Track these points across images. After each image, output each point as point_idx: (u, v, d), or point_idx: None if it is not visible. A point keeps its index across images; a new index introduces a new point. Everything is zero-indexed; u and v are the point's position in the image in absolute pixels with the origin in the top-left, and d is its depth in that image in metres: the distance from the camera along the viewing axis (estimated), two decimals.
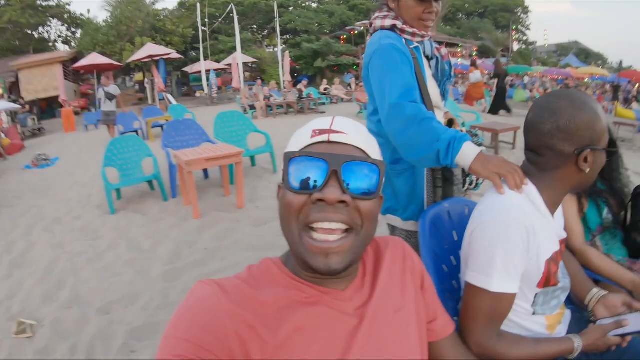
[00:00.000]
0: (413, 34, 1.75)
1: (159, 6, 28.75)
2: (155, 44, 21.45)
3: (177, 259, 3.68)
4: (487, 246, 1.16)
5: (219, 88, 22.15)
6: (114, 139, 5.70)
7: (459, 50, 37.28)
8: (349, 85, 21.94)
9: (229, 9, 23.36)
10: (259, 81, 20.06)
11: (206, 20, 23.85)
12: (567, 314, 1.45)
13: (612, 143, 1.29)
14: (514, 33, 48.30)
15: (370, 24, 1.85)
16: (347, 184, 0.80)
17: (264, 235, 4.11)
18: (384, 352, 0.85)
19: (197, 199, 4.69)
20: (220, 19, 27.77)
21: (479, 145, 1.77)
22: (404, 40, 1.74)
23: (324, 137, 0.84)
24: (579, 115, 1.16)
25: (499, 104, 13.39)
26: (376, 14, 1.83)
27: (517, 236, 1.14)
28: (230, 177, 5.55)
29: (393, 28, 1.75)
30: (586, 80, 31.74)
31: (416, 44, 1.77)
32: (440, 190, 1.82)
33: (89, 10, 27.26)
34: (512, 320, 1.27)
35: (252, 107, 14.81)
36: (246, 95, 15.74)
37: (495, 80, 14.06)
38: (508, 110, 13.34)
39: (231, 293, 0.79)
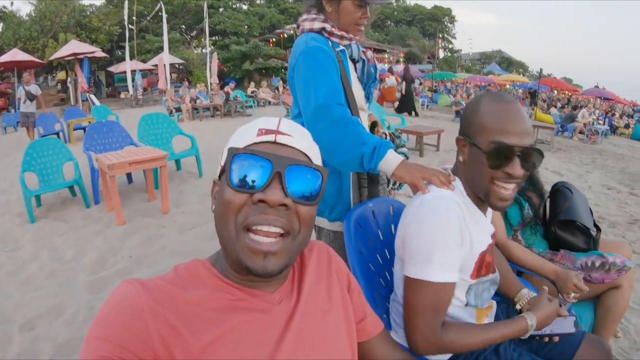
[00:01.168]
0: (341, 37, 1.80)
1: (85, 1, 27.32)
2: (80, 41, 20.51)
3: (102, 268, 3.61)
4: (424, 240, 1.22)
5: (145, 89, 21.52)
6: (33, 142, 5.47)
7: (387, 56, 38.24)
8: (277, 88, 21.99)
9: (157, 7, 22.70)
10: (186, 83, 19.73)
11: (134, 18, 22.96)
12: (494, 307, 1.54)
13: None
14: (440, 41, 50.02)
15: (298, 26, 1.88)
16: (289, 187, 0.79)
17: (191, 241, 4.10)
18: (313, 353, 0.86)
19: (120, 205, 4.60)
20: (148, 17, 27.00)
21: (402, 146, 1.93)
22: (330, 43, 1.78)
23: (270, 137, 0.83)
24: (469, 104, 1.32)
25: (404, 106, 14.55)
26: (304, 16, 1.86)
27: (452, 227, 1.22)
28: (154, 181, 5.46)
29: (321, 31, 1.79)
30: (507, 86, 33.73)
31: (342, 47, 1.82)
32: (365, 190, 1.86)
33: (12, 3, 25.48)
34: (448, 312, 1.33)
35: (178, 110, 14.61)
36: (172, 97, 15.49)
37: (403, 84, 15.00)
38: (415, 113, 14.61)
39: (154, 292, 0.78)
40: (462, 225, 1.24)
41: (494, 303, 1.55)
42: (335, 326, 0.94)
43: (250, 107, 17.62)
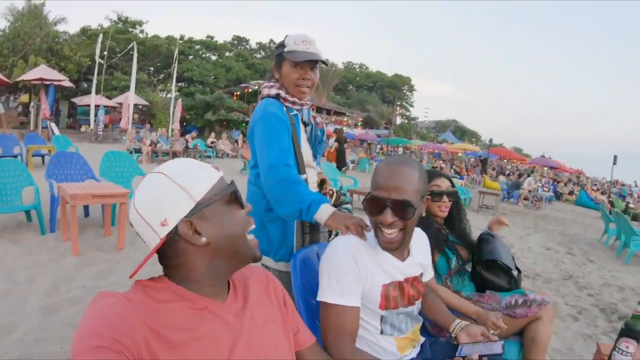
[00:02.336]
0: (293, 103, 2.13)
1: (60, 27, 27.37)
2: (49, 66, 20.27)
3: (55, 293, 3.61)
4: (325, 269, 1.53)
5: (106, 126, 21.30)
6: None
7: (345, 119, 39.26)
8: (236, 141, 22.31)
9: (130, 45, 22.83)
10: (148, 125, 19.69)
11: (105, 52, 23.03)
12: (421, 339, 1.77)
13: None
14: (398, 108, 51.45)
15: (259, 92, 2.20)
16: None
17: (144, 277, 4.12)
18: (263, 354, 1.03)
19: (77, 235, 4.61)
20: (119, 55, 26.99)
21: (346, 203, 2.21)
22: (284, 107, 2.10)
23: (222, 174, 1.10)
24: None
25: (338, 162, 15.96)
26: (265, 84, 2.19)
27: (344, 263, 1.50)
28: (112, 217, 5.51)
29: (277, 96, 2.11)
30: (459, 154, 35.00)
31: (295, 112, 2.14)
32: (308, 236, 2.13)
33: None
34: (364, 337, 1.58)
35: (138, 151, 14.63)
36: (131, 138, 15.50)
37: (335, 145, 16.75)
38: (345, 169, 16.30)
39: (132, 301, 0.90)
40: (359, 262, 1.51)
41: (421, 337, 1.78)
42: (275, 332, 1.13)
43: (209, 157, 17.84)
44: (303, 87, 2.12)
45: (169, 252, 1.00)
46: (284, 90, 2.13)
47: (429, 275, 1.92)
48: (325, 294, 1.49)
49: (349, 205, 2.23)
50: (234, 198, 1.06)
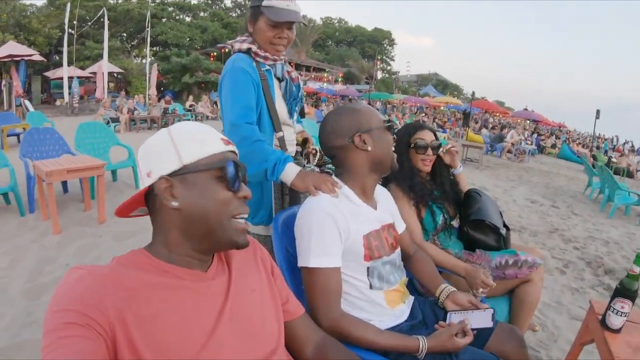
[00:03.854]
0: (265, 58, 2.02)
1: (26, 1, 26.22)
2: (18, 42, 19.59)
3: (38, 275, 3.56)
4: (303, 234, 1.48)
5: (81, 97, 20.83)
6: None
7: (326, 74, 38.88)
8: (215, 102, 21.91)
9: (100, 12, 22.10)
10: (123, 92, 19.27)
11: (75, 22, 22.20)
12: (411, 298, 1.75)
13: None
14: (378, 62, 51.08)
15: (232, 46, 2.07)
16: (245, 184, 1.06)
17: (127, 250, 4.05)
18: (248, 324, 1.03)
19: (57, 213, 4.54)
20: (90, 23, 26.15)
21: (329, 163, 2.13)
22: (255, 62, 1.99)
23: (232, 148, 1.07)
24: (338, 118, 1.63)
25: None
26: (237, 38, 2.07)
27: (324, 223, 1.46)
28: (91, 191, 5.43)
29: (248, 51, 2.00)
30: (442, 108, 35.00)
31: (268, 67, 2.03)
32: (287, 197, 2.07)
33: None
34: (353, 294, 1.56)
35: (115, 120, 14.29)
36: (106, 106, 15.14)
37: None
38: None
39: (103, 273, 0.89)
40: (337, 218, 1.47)
41: (410, 296, 1.76)
42: (262, 303, 1.11)
43: (188, 120, 17.54)
44: (279, 45, 2.02)
45: (149, 205, 1.03)
46: (257, 45, 2.02)
47: (401, 225, 1.88)
48: (309, 259, 1.45)
49: (331, 166, 2.13)
50: (222, 176, 0.99)
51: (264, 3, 1.93)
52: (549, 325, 3.17)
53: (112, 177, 6.73)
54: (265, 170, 1.76)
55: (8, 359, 2.49)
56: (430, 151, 2.38)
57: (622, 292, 1.69)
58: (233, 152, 1.07)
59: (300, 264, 1.48)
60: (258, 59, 2.02)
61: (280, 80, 2.11)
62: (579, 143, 26.07)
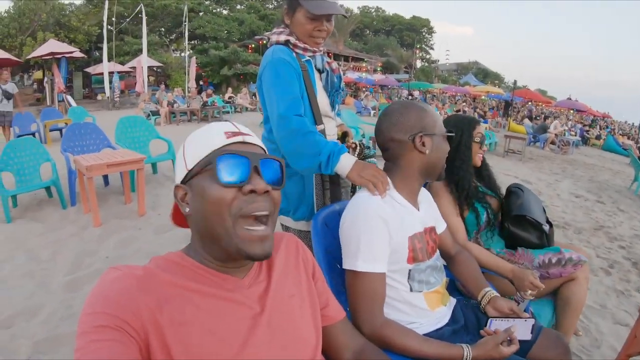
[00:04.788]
0: (304, 49, 1.94)
1: (65, 0, 26.86)
2: (59, 40, 20.10)
3: (78, 268, 3.61)
4: (352, 236, 1.43)
5: (122, 92, 21.32)
6: (10, 142, 5.41)
7: (364, 64, 38.59)
8: (254, 94, 21.96)
9: (138, 8, 22.46)
10: (163, 86, 19.61)
11: (113, 19, 22.71)
12: (452, 300, 1.68)
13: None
14: (417, 51, 50.45)
15: (268, 39, 2.01)
16: (265, 177, 0.94)
17: (166, 243, 4.13)
18: (285, 331, 0.98)
19: (97, 207, 4.61)
20: (128, 19, 26.68)
21: (371, 156, 2.03)
22: (294, 54, 1.92)
23: (239, 138, 0.96)
24: (405, 112, 1.55)
25: None
26: (274, 30, 2.00)
27: (374, 225, 1.41)
28: (131, 184, 5.50)
29: (286, 43, 1.93)
30: (483, 97, 34.21)
31: (308, 58, 1.96)
32: (328, 192, 1.99)
33: None
34: (392, 297, 1.49)
35: (155, 113, 14.50)
36: (146, 99, 15.39)
37: None
38: None
39: (139, 274, 0.87)
40: (387, 223, 1.43)
41: (451, 298, 1.69)
42: (300, 309, 1.05)
43: (228, 112, 17.66)
44: (318, 38, 1.94)
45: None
46: (294, 36, 1.95)
47: (441, 225, 1.80)
48: (356, 262, 1.40)
49: (373, 159, 2.05)
50: (214, 172, 0.90)
51: None
52: (592, 329, 3.00)
53: (152, 170, 6.81)
54: (320, 163, 1.69)
55: (46, 355, 2.53)
56: (485, 146, 2.30)
57: None
58: (242, 142, 0.97)
59: (347, 266, 1.44)
60: (297, 50, 1.95)
61: (320, 71, 2.04)
62: (624, 134, 25.03)
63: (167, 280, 0.89)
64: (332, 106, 2.11)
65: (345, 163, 1.66)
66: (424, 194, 1.74)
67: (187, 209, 0.96)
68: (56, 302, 3.08)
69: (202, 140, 0.97)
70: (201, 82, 26.95)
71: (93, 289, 0.85)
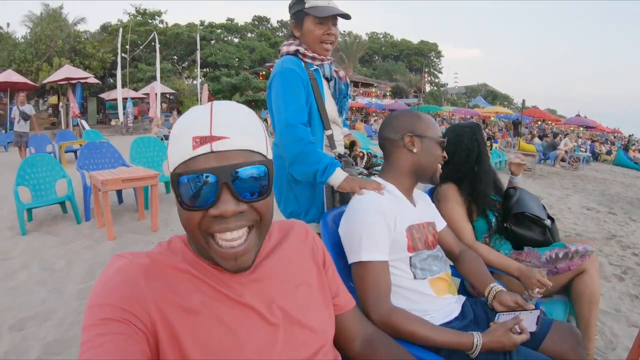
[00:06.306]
0: (313, 58, 2.08)
1: (80, 27, 27.67)
2: (74, 66, 20.51)
3: (91, 278, 3.64)
4: (354, 231, 1.52)
5: (135, 117, 21.70)
6: (28, 157, 5.53)
7: (374, 89, 38.92)
8: (265, 120, 22.39)
9: (151, 37, 23.08)
10: (175, 112, 19.90)
11: (127, 46, 23.26)
12: (461, 297, 1.71)
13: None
14: (426, 75, 50.64)
15: (279, 51, 2.17)
16: (239, 193, 0.82)
17: None
18: (293, 321, 0.95)
19: (111, 220, 4.67)
20: (141, 47, 27.31)
21: (378, 164, 2.18)
22: (303, 63, 2.06)
23: (207, 148, 0.81)
24: (400, 115, 1.75)
25: None
26: (284, 43, 2.15)
27: (373, 218, 1.51)
28: (145, 201, 5.56)
29: (296, 53, 2.08)
30: (492, 118, 34.26)
31: (316, 67, 2.10)
32: (337, 195, 2.08)
33: (8, 24, 25.79)
34: (400, 285, 1.54)
35: (168, 137, 14.65)
36: (159, 124, 15.62)
37: None
38: None
39: (144, 261, 0.85)
40: (386, 213, 1.53)
41: (453, 283, 1.73)
42: (308, 298, 1.02)
43: None
44: (327, 42, 2.08)
45: None
46: (304, 46, 2.09)
47: (441, 223, 1.89)
48: (360, 253, 1.48)
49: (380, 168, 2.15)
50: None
51: (307, 5, 2.02)
52: (606, 332, 3.00)
53: (166, 189, 6.91)
54: (316, 171, 1.82)
55: (57, 355, 2.56)
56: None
57: None
58: (211, 152, 0.82)
59: (352, 260, 1.51)
60: (306, 59, 2.09)
61: (328, 79, 2.18)
62: (636, 149, 24.87)
63: (173, 266, 0.87)
64: (340, 112, 2.24)
65: (338, 175, 1.81)
66: (420, 195, 1.86)
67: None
68: (69, 308, 3.12)
69: (174, 144, 0.86)
70: None
71: (98, 280, 0.83)
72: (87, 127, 15.59)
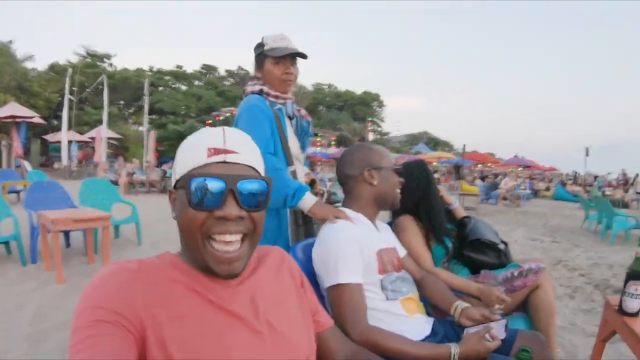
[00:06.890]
0: (277, 97, 2.20)
1: (28, 65, 27.33)
2: (19, 104, 19.84)
3: (42, 321, 3.46)
4: (329, 257, 1.60)
5: (80, 161, 21.09)
6: None
7: (319, 139, 39.42)
8: None
9: (99, 79, 22.71)
10: (121, 158, 19.50)
11: (74, 88, 22.82)
12: (430, 318, 1.78)
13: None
14: (369, 124, 51.72)
15: (244, 91, 2.29)
16: (242, 201, 0.91)
17: None
18: (277, 335, 0.98)
19: (61, 262, 4.48)
20: (89, 89, 26.81)
21: (337, 201, 2.21)
22: (268, 102, 2.17)
23: (220, 158, 0.92)
24: (355, 151, 1.87)
25: None
26: (248, 83, 2.27)
27: (347, 243, 1.60)
28: (94, 245, 5.41)
29: (260, 92, 2.19)
30: (435, 163, 35.32)
31: (280, 106, 2.21)
32: (302, 228, 2.17)
33: None
34: (373, 308, 1.60)
35: (114, 183, 14.45)
36: (104, 168, 15.32)
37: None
38: None
39: (135, 270, 0.88)
40: (359, 241, 1.63)
41: (421, 304, 1.83)
42: (288, 313, 1.07)
43: None
44: (288, 80, 2.20)
45: None
46: (267, 86, 2.20)
47: (402, 251, 1.98)
48: (337, 277, 1.54)
49: (339, 204, 2.25)
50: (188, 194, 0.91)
51: (266, 47, 2.16)
52: (567, 344, 3.24)
53: (115, 234, 6.72)
54: (286, 196, 1.90)
55: None
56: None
57: (634, 275, 1.72)
58: (223, 162, 0.93)
59: (328, 283, 1.57)
60: (270, 98, 2.20)
61: (291, 118, 2.29)
62: (572, 183, 26.37)
63: (164, 273, 0.91)
64: (302, 149, 2.36)
65: (308, 200, 1.90)
66: (382, 225, 1.97)
67: (174, 214, 0.98)
68: (20, 350, 2.95)
69: (188, 152, 0.96)
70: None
71: (88, 284, 0.85)
72: (29, 168, 15.03)
